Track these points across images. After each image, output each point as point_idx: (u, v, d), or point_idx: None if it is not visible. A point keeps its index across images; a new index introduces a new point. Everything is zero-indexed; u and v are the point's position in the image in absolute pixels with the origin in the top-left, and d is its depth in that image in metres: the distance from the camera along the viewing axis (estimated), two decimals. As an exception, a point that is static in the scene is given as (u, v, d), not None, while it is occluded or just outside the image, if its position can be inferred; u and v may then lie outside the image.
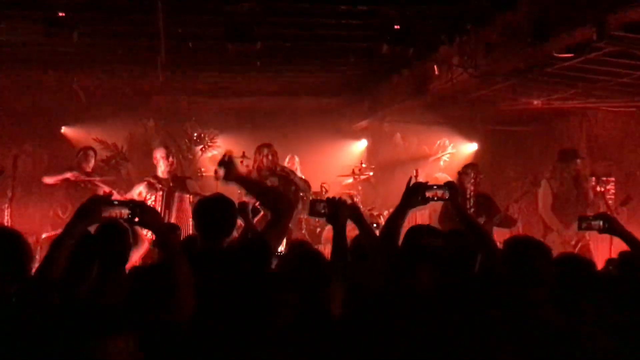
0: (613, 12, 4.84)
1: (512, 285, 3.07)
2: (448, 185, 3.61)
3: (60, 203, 7.83)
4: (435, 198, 3.58)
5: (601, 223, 3.76)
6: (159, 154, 7.40)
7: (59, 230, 7.29)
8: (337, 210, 3.59)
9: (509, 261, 3.17)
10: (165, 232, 2.96)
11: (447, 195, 3.54)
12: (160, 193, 7.17)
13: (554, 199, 7.47)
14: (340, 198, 3.68)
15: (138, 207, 2.86)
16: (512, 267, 3.15)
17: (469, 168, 7.81)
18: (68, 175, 7.71)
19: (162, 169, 7.35)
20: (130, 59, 7.82)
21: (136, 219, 2.84)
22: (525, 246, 3.23)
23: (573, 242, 7.13)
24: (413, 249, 3.30)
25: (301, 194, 8.69)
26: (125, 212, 2.85)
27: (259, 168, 7.60)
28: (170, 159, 7.45)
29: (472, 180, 7.68)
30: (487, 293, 3.14)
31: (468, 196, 7.63)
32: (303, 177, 9.84)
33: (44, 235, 7.38)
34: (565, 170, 7.51)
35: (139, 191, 7.19)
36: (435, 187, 3.61)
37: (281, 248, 4.56)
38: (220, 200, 3.69)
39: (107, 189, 7.70)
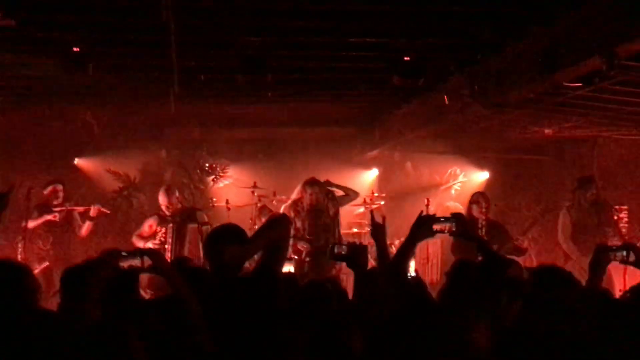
0: (622, 43, 4.85)
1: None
2: (455, 217, 3.62)
3: (41, 236, 7.90)
4: (444, 231, 3.59)
5: (624, 253, 3.60)
6: (162, 203, 7.41)
7: (46, 263, 7.37)
8: (358, 256, 3.59)
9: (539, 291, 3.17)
10: (176, 275, 2.99)
11: (454, 228, 3.54)
12: (171, 225, 7.20)
13: (573, 228, 7.43)
14: (360, 243, 3.70)
15: (148, 254, 2.91)
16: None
17: (479, 197, 7.81)
18: (49, 217, 7.86)
19: (164, 206, 7.37)
20: (143, 91, 7.92)
21: (147, 266, 2.90)
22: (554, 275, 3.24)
23: None
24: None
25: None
26: (137, 262, 2.90)
27: (311, 204, 7.78)
28: (172, 204, 7.44)
29: (483, 209, 7.67)
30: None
31: (479, 225, 7.62)
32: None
33: (36, 271, 7.35)
34: (583, 198, 7.50)
35: (149, 224, 7.23)
36: (442, 219, 3.62)
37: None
38: (230, 230, 3.70)
39: (93, 211, 7.81)
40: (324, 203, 7.96)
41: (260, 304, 3.18)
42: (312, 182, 7.93)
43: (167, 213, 7.33)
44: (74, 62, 5.81)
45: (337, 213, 8.08)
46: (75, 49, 5.72)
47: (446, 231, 3.58)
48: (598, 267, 3.54)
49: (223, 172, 11.09)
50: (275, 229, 3.87)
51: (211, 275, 3.52)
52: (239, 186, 10.47)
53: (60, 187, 8.15)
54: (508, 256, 7.35)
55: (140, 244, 7.10)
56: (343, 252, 3.70)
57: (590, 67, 5.26)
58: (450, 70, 6.98)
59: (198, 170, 10.98)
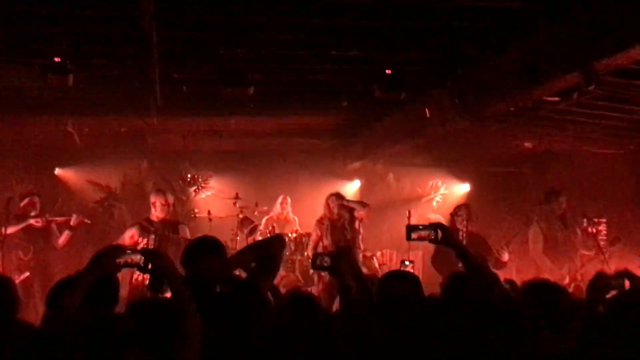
0: (601, 58, 4.92)
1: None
2: (435, 226, 3.63)
3: (21, 246, 7.80)
4: (424, 238, 3.61)
5: (433, 232, 3.61)
6: (158, 201, 7.36)
7: (27, 274, 7.21)
8: (339, 264, 3.60)
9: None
10: (177, 278, 2.98)
11: (432, 236, 3.56)
12: (153, 237, 7.13)
13: (544, 241, 7.51)
14: (343, 250, 3.72)
15: (151, 254, 2.89)
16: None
17: (461, 209, 7.85)
18: (31, 221, 7.78)
19: (157, 214, 7.32)
20: (125, 102, 7.89)
21: (149, 266, 2.88)
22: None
23: (566, 282, 7.14)
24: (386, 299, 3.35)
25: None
26: (137, 258, 2.89)
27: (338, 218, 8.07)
28: (168, 203, 7.41)
29: (464, 222, 7.72)
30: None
31: (461, 237, 7.65)
32: (296, 218, 9.90)
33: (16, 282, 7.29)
34: (550, 211, 7.60)
35: (130, 234, 7.16)
36: (421, 227, 3.63)
37: None
38: (209, 242, 3.68)
39: (74, 221, 7.74)
40: (346, 217, 8.17)
41: (239, 319, 3.16)
42: (337, 195, 8.29)
43: (158, 220, 7.24)
44: (54, 72, 5.77)
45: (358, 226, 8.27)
46: (56, 59, 5.69)
47: (426, 239, 3.60)
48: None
49: (205, 183, 11.07)
50: (269, 247, 3.86)
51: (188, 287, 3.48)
52: (221, 197, 10.45)
53: (36, 199, 8.08)
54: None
55: None
56: (325, 264, 3.70)
57: (569, 82, 5.34)
58: (431, 84, 7.04)
59: (180, 181, 10.95)
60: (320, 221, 8.30)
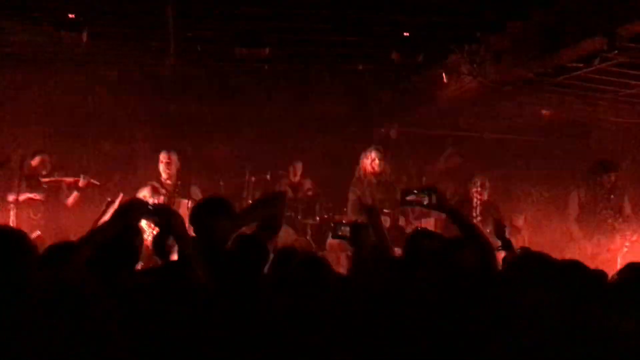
0: (624, 23, 4.82)
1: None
2: (429, 190, 3.60)
3: (31, 205, 7.77)
4: (419, 203, 3.58)
5: (427, 197, 3.56)
6: (162, 159, 7.36)
7: (38, 232, 7.17)
8: (359, 235, 3.59)
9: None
10: (188, 240, 2.97)
11: (426, 201, 3.53)
12: (163, 198, 7.13)
13: (580, 209, 7.34)
14: (362, 223, 3.70)
15: (163, 212, 2.89)
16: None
17: (476, 177, 7.79)
18: (31, 196, 7.68)
19: (163, 174, 7.32)
20: (139, 60, 7.83)
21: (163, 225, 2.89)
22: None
23: (589, 254, 6.98)
24: (414, 253, 3.32)
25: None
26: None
27: (371, 172, 7.55)
28: (171, 161, 7.40)
29: (479, 189, 7.65)
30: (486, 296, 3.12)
31: (475, 205, 7.60)
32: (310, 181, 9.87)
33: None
34: (598, 182, 7.31)
35: (142, 195, 7.16)
36: (416, 191, 3.61)
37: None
38: (218, 203, 3.66)
39: (82, 182, 7.70)
40: (387, 171, 7.73)
41: (247, 275, 3.15)
42: (377, 149, 7.69)
43: (169, 182, 7.25)
44: (68, 29, 5.72)
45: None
46: (70, 16, 5.63)
47: (420, 203, 3.57)
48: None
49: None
50: (270, 205, 3.84)
51: (198, 249, 3.47)
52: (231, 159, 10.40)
53: (47, 157, 8.06)
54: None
55: None
56: (344, 233, 3.75)
57: (591, 47, 5.24)
58: (450, 48, 6.92)
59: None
60: (359, 180, 7.73)
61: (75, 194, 7.89)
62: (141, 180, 7.77)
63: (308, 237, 9.03)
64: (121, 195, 6.38)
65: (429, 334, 2.98)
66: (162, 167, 7.34)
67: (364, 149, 7.82)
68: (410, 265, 3.40)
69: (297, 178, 9.80)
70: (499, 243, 4.41)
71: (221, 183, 9.46)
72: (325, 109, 10.96)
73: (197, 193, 7.39)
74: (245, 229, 3.79)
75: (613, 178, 7.29)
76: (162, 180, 7.33)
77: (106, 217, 4.83)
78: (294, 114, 11.00)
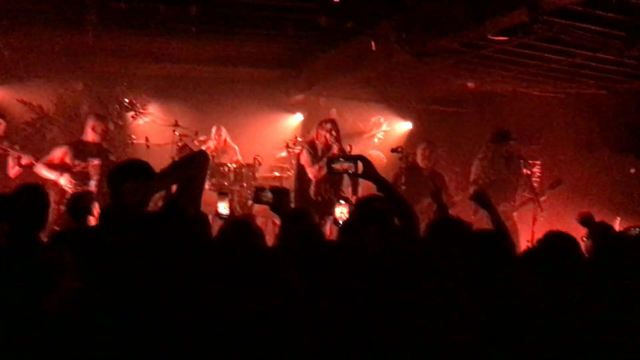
0: (546, -4, 4.92)
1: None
2: (355, 158, 3.63)
3: None
4: (345, 171, 3.62)
5: (353, 165, 3.57)
6: (99, 126, 7.13)
7: None
8: (281, 200, 3.60)
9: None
10: None
11: (353, 169, 3.56)
12: (96, 160, 6.91)
13: (483, 180, 7.61)
14: (283, 187, 3.74)
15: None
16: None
17: (424, 145, 7.89)
18: None
19: (95, 139, 7.11)
20: (59, 17, 7.48)
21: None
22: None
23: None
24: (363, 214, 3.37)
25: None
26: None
27: (325, 145, 7.33)
28: (108, 130, 7.22)
29: (426, 159, 7.75)
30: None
31: (424, 174, 7.69)
32: (236, 147, 9.80)
33: None
34: (497, 151, 7.67)
35: (61, 154, 6.92)
36: (342, 159, 3.64)
37: (225, 211, 4.43)
38: (134, 166, 3.58)
39: (24, 160, 7.41)
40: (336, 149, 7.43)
41: (166, 240, 3.09)
42: (332, 122, 7.53)
43: (97, 140, 7.04)
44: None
45: None
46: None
47: (347, 171, 3.60)
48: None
49: (143, 109, 10.74)
50: (190, 166, 3.77)
51: (112, 211, 3.39)
52: (160, 124, 10.21)
53: (2, 122, 7.71)
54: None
55: (51, 176, 6.81)
56: (267, 199, 3.75)
57: (514, 20, 5.33)
58: (379, 15, 6.92)
59: (117, 106, 10.57)
60: (311, 145, 7.50)
61: (17, 168, 7.59)
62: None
63: (234, 204, 8.98)
64: None
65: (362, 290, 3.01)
66: (98, 134, 7.14)
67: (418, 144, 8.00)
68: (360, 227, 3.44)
69: (222, 142, 9.74)
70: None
71: (147, 146, 9.29)
72: (253, 73, 10.87)
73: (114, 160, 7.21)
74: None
75: (511, 147, 7.68)
76: (86, 142, 7.12)
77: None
78: (220, 76, 10.87)
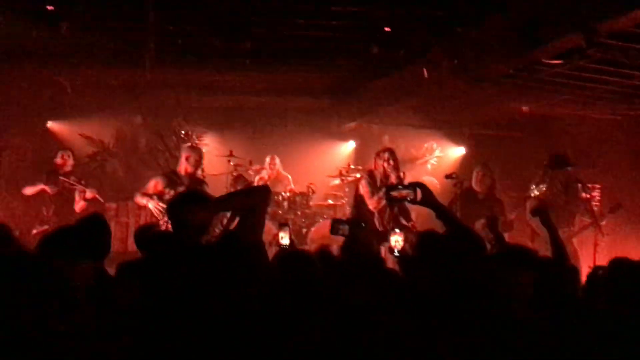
0: (602, 20, 4.85)
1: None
2: (414, 185, 3.60)
3: (44, 202, 7.88)
4: (404, 198, 3.60)
5: (412, 192, 3.54)
6: (193, 156, 7.30)
7: (46, 227, 7.46)
8: (357, 235, 3.64)
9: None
10: None
11: (412, 196, 3.53)
12: (182, 189, 7.05)
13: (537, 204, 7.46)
14: (360, 222, 3.77)
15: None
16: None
17: (477, 167, 7.81)
18: (45, 187, 7.82)
19: (188, 169, 7.25)
20: (119, 54, 7.76)
21: None
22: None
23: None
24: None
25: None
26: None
27: (383, 174, 7.20)
28: (202, 160, 7.41)
29: (477, 181, 7.65)
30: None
31: (480, 198, 7.61)
32: (289, 176, 9.89)
33: (34, 231, 7.58)
34: (556, 176, 7.48)
35: (154, 183, 7.10)
36: (400, 187, 3.62)
37: (286, 241, 4.48)
38: (193, 194, 3.65)
39: (88, 194, 7.73)
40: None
41: (223, 271, 3.12)
42: (391, 152, 7.30)
43: (190, 170, 7.19)
44: (46, 21, 5.66)
45: None
46: (48, 7, 5.57)
47: (406, 198, 3.58)
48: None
49: (199, 140, 10.98)
50: (251, 197, 3.82)
51: (175, 240, 3.46)
52: (215, 155, 10.40)
53: (68, 153, 8.07)
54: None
55: (143, 201, 7.03)
56: (343, 231, 3.82)
57: (570, 44, 5.28)
58: (430, 43, 6.94)
59: (174, 137, 10.85)
60: (370, 175, 7.31)
61: (83, 203, 7.90)
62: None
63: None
64: None
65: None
66: (191, 164, 7.23)
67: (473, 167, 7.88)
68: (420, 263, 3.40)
69: (276, 172, 9.84)
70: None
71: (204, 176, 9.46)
72: (306, 103, 11.00)
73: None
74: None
75: (570, 172, 7.48)
76: (179, 172, 7.27)
77: None
78: (273, 106, 11.03)
